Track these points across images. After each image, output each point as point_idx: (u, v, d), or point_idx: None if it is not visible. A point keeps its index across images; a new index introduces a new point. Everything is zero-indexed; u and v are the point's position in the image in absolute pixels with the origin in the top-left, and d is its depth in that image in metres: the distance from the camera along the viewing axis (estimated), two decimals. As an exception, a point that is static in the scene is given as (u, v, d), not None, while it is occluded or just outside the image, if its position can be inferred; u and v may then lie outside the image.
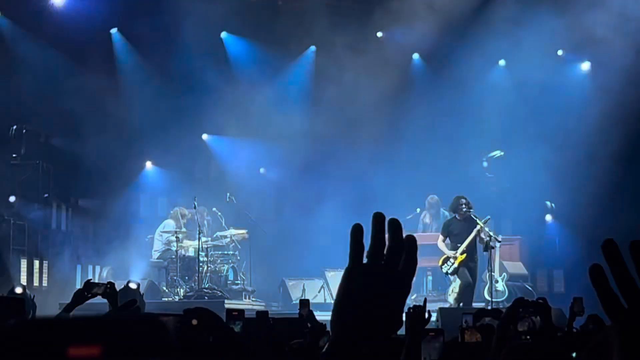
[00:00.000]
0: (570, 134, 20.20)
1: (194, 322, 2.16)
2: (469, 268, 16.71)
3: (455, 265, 16.75)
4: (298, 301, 10.45)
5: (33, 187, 19.31)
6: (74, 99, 18.86)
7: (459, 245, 16.75)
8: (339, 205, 20.63)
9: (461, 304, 16.44)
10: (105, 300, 7.10)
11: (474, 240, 16.64)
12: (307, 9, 20.96)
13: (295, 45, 21.83)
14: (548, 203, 21.34)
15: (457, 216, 16.77)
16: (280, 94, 21.25)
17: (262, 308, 17.94)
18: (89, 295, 6.98)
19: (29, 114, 19.24)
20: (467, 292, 16.70)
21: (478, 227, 16.56)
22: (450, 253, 16.84)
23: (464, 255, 16.70)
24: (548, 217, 21.78)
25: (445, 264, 16.94)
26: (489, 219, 17.19)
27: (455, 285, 17.05)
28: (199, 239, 18.53)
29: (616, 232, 19.61)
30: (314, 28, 20.79)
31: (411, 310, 6.20)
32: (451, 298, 17.09)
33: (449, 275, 17.16)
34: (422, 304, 5.50)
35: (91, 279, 7.40)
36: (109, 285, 7.01)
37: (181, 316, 2.20)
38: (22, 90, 18.67)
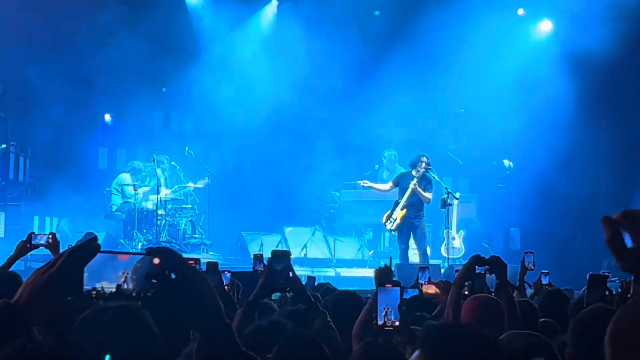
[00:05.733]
0: (530, 92, 20.30)
1: (156, 260, 2.19)
2: (412, 226, 16.58)
3: (398, 221, 16.65)
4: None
5: (-11, 137, 19.14)
6: (31, 47, 18.67)
7: (399, 200, 16.66)
8: (298, 161, 20.69)
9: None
10: (48, 252, 7.14)
11: (415, 196, 16.43)
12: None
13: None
14: (506, 162, 21.47)
15: (413, 172, 16.60)
16: (241, 46, 21.10)
17: (219, 262, 17.98)
18: (31, 246, 7.01)
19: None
20: (405, 252, 16.61)
21: (414, 181, 16.35)
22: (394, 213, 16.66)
23: (404, 211, 16.53)
24: (506, 163, 21.76)
25: (388, 221, 16.79)
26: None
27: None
28: (158, 192, 18.52)
29: (573, 191, 19.93)
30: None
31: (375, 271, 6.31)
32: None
33: (393, 232, 16.99)
34: (377, 258, 5.58)
35: (34, 232, 7.38)
36: (51, 236, 7.04)
37: (143, 255, 2.23)
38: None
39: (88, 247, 2.22)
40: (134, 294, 2.19)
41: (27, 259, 7.58)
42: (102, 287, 2.19)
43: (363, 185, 17.74)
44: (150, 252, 2.22)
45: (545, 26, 21.44)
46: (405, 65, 20.18)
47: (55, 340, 2.07)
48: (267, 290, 5.58)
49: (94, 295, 2.18)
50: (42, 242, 7.00)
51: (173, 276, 2.19)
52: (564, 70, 20.02)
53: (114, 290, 2.19)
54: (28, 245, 7.01)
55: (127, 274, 2.19)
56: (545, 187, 20.38)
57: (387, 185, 17.10)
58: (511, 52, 20.66)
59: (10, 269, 6.78)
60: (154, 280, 2.18)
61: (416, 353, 2.58)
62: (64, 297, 2.19)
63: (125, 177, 19.18)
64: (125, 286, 2.19)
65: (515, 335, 3.97)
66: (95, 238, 2.26)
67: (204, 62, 20.16)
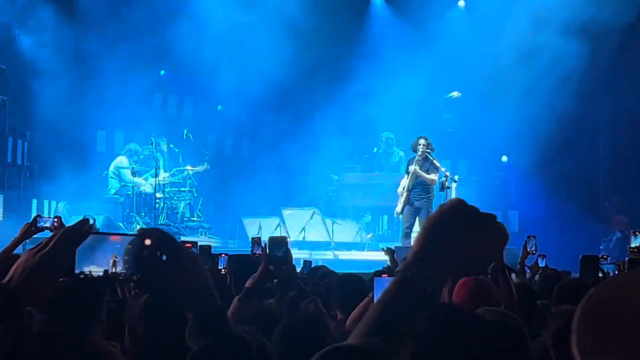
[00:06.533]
0: (527, 74, 20.24)
1: (148, 241, 2.18)
2: (414, 208, 16.58)
3: (402, 205, 16.69)
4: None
5: (-12, 120, 19.13)
6: (29, 33, 18.65)
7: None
8: (297, 144, 20.68)
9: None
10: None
11: (418, 178, 16.43)
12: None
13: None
14: (504, 158, 21.52)
15: (417, 155, 16.61)
16: (240, 27, 20.96)
17: (218, 245, 18.02)
18: (36, 229, 7.00)
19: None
20: (407, 232, 16.59)
21: (413, 164, 16.40)
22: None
23: (407, 194, 16.53)
24: (504, 158, 21.90)
25: (398, 205, 16.86)
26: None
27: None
28: (156, 174, 18.53)
29: (571, 173, 19.93)
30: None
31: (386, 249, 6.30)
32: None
33: (399, 216, 17.03)
34: (376, 242, 5.59)
35: (40, 215, 7.38)
36: (56, 220, 7.03)
37: (135, 236, 2.22)
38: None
39: (80, 228, 2.21)
40: (121, 278, 2.19)
41: (27, 243, 7.61)
42: (89, 272, 2.18)
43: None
44: (142, 233, 2.21)
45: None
46: (405, 47, 20.15)
47: (44, 321, 2.06)
48: (267, 279, 5.57)
49: (82, 278, 2.18)
50: (47, 225, 6.99)
51: (164, 257, 2.18)
52: (563, 50, 19.93)
53: (101, 274, 2.18)
54: (33, 228, 6.99)
55: (117, 257, 2.19)
56: (544, 170, 20.37)
57: (404, 180, 16.98)
58: (510, 31, 20.58)
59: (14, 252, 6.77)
60: (145, 261, 2.17)
61: None
62: (56, 278, 2.18)
63: (123, 160, 19.17)
64: (114, 270, 2.18)
65: (488, 311, 3.98)
66: (87, 219, 2.25)
67: (202, 43, 20.08)
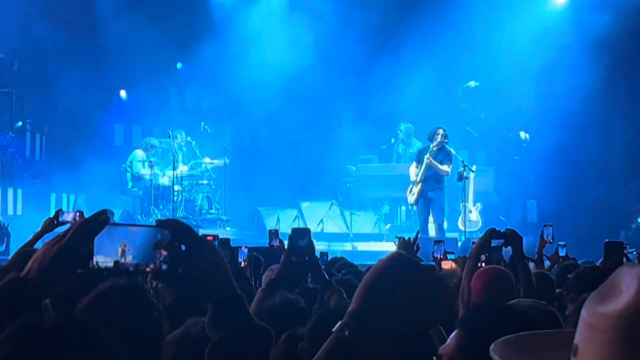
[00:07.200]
0: (546, 63, 20.14)
1: (165, 232, 2.18)
2: (428, 199, 16.58)
3: (415, 195, 16.64)
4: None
5: (6, 115, 19.19)
6: (47, 27, 18.68)
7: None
8: (314, 135, 20.66)
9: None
10: None
11: (431, 169, 16.40)
12: None
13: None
14: (522, 134, 21.37)
15: (432, 145, 16.61)
16: (256, 17, 20.93)
17: (236, 237, 18.04)
18: (58, 223, 7.00)
19: (2, 43, 19.01)
20: (423, 226, 16.58)
21: (427, 155, 16.39)
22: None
23: (420, 184, 16.55)
24: (523, 134, 21.66)
25: (409, 195, 16.86)
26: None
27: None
28: (174, 167, 18.56)
29: (589, 161, 19.84)
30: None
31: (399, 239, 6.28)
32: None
33: (413, 206, 17.00)
34: (394, 232, 5.56)
35: (61, 209, 7.39)
36: (78, 214, 7.03)
37: (153, 227, 2.21)
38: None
39: (97, 220, 2.20)
40: (131, 269, 2.17)
41: (47, 237, 7.62)
42: (96, 262, 2.16)
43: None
44: (160, 224, 2.20)
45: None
46: (424, 38, 20.07)
47: (59, 316, 2.05)
48: (289, 270, 5.53)
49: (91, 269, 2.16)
50: (69, 219, 6.99)
51: (183, 247, 2.17)
52: (579, 40, 19.81)
53: (110, 265, 2.16)
54: (55, 222, 7.00)
55: (125, 246, 2.17)
56: (562, 158, 20.27)
57: (413, 166, 16.96)
58: (527, 22, 20.48)
59: (35, 247, 6.78)
60: (164, 252, 2.16)
61: (454, 332, 2.63)
62: (72, 271, 2.17)
63: (139, 153, 19.20)
64: (123, 260, 2.16)
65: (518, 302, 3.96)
66: (104, 210, 2.24)
67: (218, 35, 20.07)
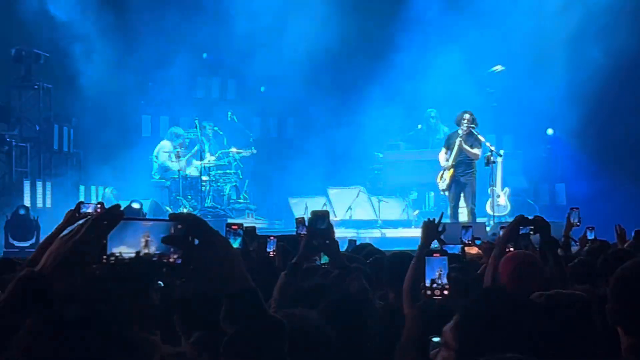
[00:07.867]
0: (573, 46, 19.99)
1: (179, 226, 2.17)
2: (460, 184, 16.54)
3: (447, 181, 16.61)
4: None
5: (34, 108, 19.30)
6: (74, 21, 18.79)
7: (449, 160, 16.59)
8: (341, 122, 20.62)
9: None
10: None
11: (462, 154, 16.35)
12: None
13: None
14: (549, 130, 21.29)
15: (459, 130, 16.54)
16: (279, 7, 20.86)
17: (265, 226, 18.07)
18: (80, 215, 7.01)
19: (29, 37, 19.12)
20: (454, 211, 16.53)
21: (458, 139, 16.37)
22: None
23: (452, 170, 16.55)
24: (550, 131, 21.64)
25: (440, 181, 16.80)
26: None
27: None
28: (201, 158, 18.60)
29: (618, 145, 19.66)
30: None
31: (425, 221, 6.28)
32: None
33: (444, 192, 16.97)
34: (422, 218, 5.56)
35: (82, 201, 7.40)
36: (99, 206, 7.04)
37: (166, 221, 2.21)
38: (22, 12, 18.51)
39: (111, 214, 2.20)
40: (154, 259, 2.17)
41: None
42: (120, 253, 2.17)
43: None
44: (174, 218, 2.20)
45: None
46: (448, 21, 19.99)
47: (76, 310, 2.05)
48: (310, 251, 5.55)
49: (112, 262, 2.17)
50: (90, 210, 7.00)
51: (197, 241, 2.17)
52: (607, 23, 19.64)
53: (133, 255, 2.17)
54: (77, 215, 7.01)
55: (149, 237, 2.17)
56: (591, 141, 20.14)
57: (442, 152, 16.87)
58: (553, 6, 20.33)
59: None
60: (176, 246, 2.16)
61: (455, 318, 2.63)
62: (88, 265, 2.18)
63: (166, 144, 19.26)
64: (146, 251, 2.17)
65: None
66: (117, 205, 2.24)
67: (243, 24, 20.04)
